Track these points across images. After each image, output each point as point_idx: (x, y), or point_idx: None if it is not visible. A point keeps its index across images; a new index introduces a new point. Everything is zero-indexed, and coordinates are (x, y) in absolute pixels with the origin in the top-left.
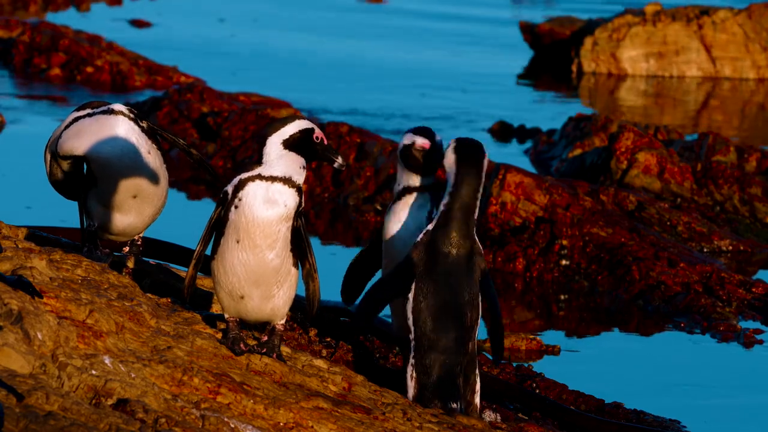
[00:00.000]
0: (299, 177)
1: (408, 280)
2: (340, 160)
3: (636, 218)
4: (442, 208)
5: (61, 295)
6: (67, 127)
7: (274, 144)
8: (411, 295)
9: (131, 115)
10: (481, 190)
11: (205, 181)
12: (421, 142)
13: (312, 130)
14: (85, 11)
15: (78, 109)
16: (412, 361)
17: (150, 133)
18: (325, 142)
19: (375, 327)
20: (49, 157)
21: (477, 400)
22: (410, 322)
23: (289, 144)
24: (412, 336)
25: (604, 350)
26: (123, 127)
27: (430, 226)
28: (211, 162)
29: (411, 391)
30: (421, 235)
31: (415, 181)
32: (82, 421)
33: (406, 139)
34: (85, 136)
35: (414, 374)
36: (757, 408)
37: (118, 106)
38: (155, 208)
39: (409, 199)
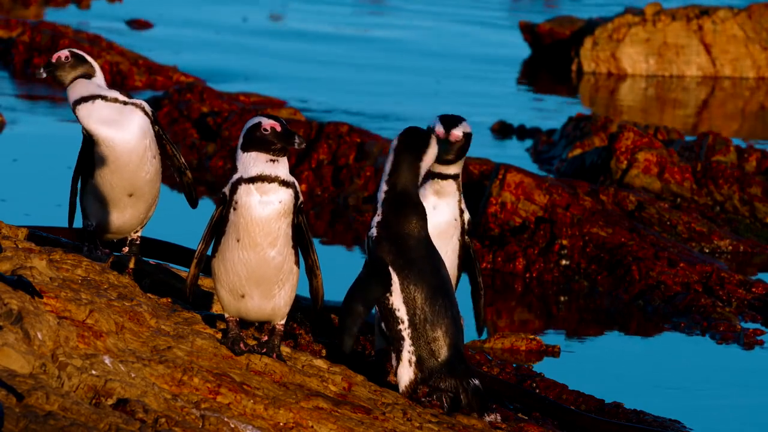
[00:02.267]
0: (275, 171)
1: (385, 277)
2: (297, 139)
3: (636, 218)
4: (383, 196)
5: (61, 295)
6: (92, 99)
7: (238, 151)
8: (397, 288)
9: (151, 117)
10: (421, 174)
11: (205, 182)
12: (438, 130)
13: (257, 125)
14: (86, 8)
15: (106, 89)
16: (409, 348)
17: (158, 138)
18: (278, 128)
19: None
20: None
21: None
22: (400, 313)
23: (243, 146)
24: (404, 326)
25: (604, 350)
26: (142, 126)
27: (378, 218)
28: (210, 162)
29: (407, 377)
30: (374, 232)
31: (433, 167)
32: (82, 421)
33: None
34: (107, 122)
35: (413, 359)
36: (757, 408)
37: (142, 104)
38: (148, 207)
39: (430, 193)
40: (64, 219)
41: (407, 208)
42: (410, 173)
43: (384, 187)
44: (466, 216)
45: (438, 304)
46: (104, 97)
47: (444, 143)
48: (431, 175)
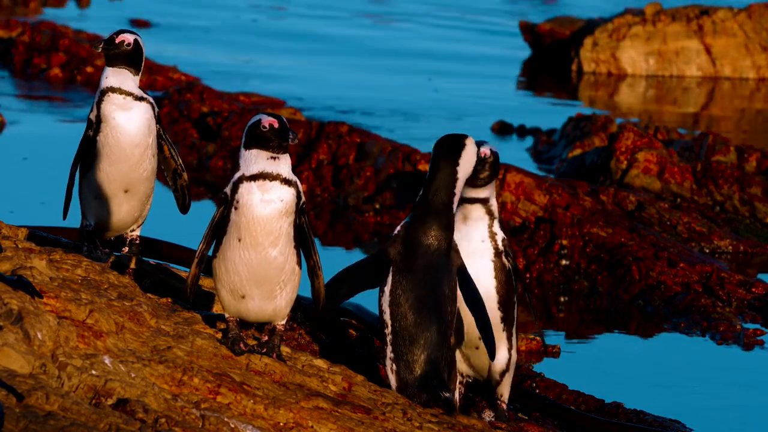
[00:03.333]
0: (276, 168)
1: (381, 272)
2: (290, 135)
3: (636, 218)
4: (417, 199)
5: (61, 295)
6: (123, 93)
7: (241, 149)
8: (387, 289)
9: (156, 115)
10: (458, 184)
11: (205, 183)
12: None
13: (257, 122)
14: (85, 7)
15: (138, 90)
16: (390, 355)
17: (158, 137)
18: (276, 125)
19: (343, 311)
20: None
21: (457, 395)
22: (386, 316)
23: (246, 143)
24: (388, 330)
25: (604, 350)
26: (150, 122)
27: (406, 219)
28: (210, 162)
29: (393, 383)
30: (398, 228)
31: (465, 191)
32: (82, 421)
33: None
34: (121, 113)
35: (394, 368)
36: (757, 408)
37: (152, 101)
38: (142, 205)
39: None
40: (48, 217)
41: (430, 216)
42: (447, 177)
43: (421, 191)
44: (499, 237)
45: (422, 317)
46: (133, 96)
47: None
48: (462, 200)
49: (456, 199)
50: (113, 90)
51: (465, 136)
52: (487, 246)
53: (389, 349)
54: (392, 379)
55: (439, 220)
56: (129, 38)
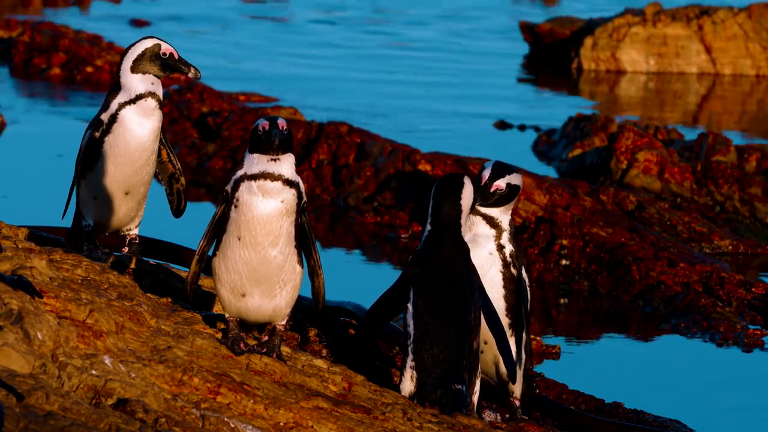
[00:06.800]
0: (278, 169)
1: (405, 295)
2: (273, 132)
3: (636, 218)
4: (424, 234)
5: (61, 295)
6: (155, 100)
7: (246, 152)
8: (410, 305)
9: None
10: (462, 214)
11: (205, 184)
12: (484, 174)
13: (256, 126)
14: (85, 10)
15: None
16: (411, 363)
17: (160, 141)
18: (267, 128)
19: (375, 345)
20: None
21: (476, 399)
22: (410, 328)
23: (249, 147)
24: (410, 339)
25: (604, 350)
26: (159, 129)
27: (417, 248)
28: (210, 162)
29: (407, 390)
30: (411, 258)
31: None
32: (82, 421)
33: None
34: (139, 116)
35: (414, 374)
36: (757, 408)
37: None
38: (138, 205)
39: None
40: (8, 212)
41: (444, 238)
42: (451, 210)
43: (428, 227)
44: (507, 250)
45: (443, 321)
46: (160, 103)
47: (484, 189)
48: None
49: (462, 228)
50: (149, 95)
51: (462, 175)
52: (494, 258)
53: (410, 358)
54: (407, 386)
55: (451, 238)
56: (170, 49)
